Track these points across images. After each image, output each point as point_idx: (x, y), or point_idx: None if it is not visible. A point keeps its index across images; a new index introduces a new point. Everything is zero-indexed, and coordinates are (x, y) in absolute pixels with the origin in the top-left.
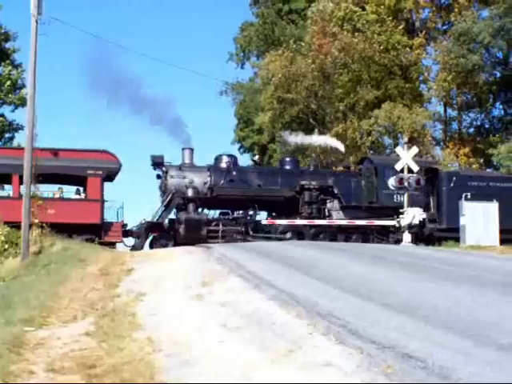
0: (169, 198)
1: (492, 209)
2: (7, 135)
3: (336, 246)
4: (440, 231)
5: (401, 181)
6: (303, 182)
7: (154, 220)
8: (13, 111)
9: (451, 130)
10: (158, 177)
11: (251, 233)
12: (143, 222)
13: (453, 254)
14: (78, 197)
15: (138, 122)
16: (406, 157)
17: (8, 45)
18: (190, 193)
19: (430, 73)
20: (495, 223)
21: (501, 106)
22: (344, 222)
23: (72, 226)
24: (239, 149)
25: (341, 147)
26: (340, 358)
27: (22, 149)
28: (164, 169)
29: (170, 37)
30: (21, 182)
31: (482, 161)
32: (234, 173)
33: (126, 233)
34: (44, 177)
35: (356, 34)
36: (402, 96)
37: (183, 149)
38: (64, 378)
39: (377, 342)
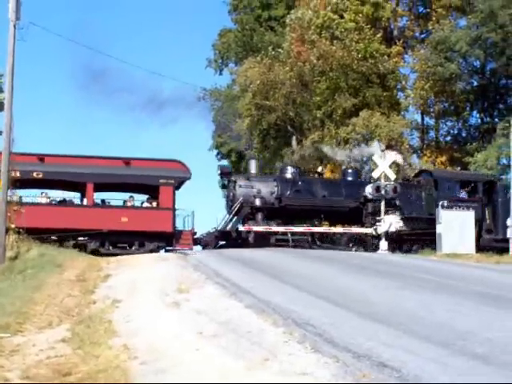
0: (237, 207)
1: (468, 217)
2: None
3: (313, 254)
4: (496, 241)
5: (378, 189)
6: (366, 194)
7: (221, 228)
8: None
9: (428, 138)
10: (223, 186)
11: (318, 242)
12: (212, 230)
13: (429, 262)
14: (148, 205)
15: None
16: (383, 165)
17: None
18: (257, 202)
19: (408, 81)
20: (471, 231)
21: (478, 115)
22: (321, 230)
23: (144, 234)
24: (217, 155)
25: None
26: (316, 367)
27: (95, 157)
28: (233, 178)
29: (148, 42)
30: (96, 190)
31: (458, 169)
32: (300, 183)
33: (195, 241)
34: (116, 185)
35: (334, 41)
36: (380, 104)
37: (249, 159)
38: None
39: (352, 351)
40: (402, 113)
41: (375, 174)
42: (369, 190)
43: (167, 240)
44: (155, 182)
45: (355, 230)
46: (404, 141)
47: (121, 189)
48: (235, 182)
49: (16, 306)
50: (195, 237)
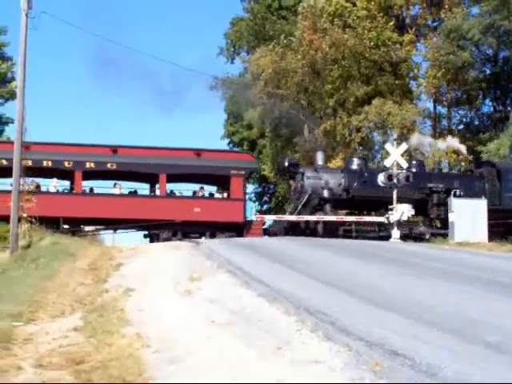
0: (306, 198)
1: (480, 205)
2: None
3: (325, 243)
4: None
5: (390, 177)
6: (431, 185)
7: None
8: (2, 105)
9: (441, 126)
10: (291, 177)
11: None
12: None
13: (441, 250)
14: (219, 196)
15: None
16: (395, 153)
17: None
18: (325, 194)
19: (420, 69)
20: (484, 220)
21: (490, 103)
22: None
23: (216, 225)
24: (228, 144)
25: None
26: (328, 355)
27: (167, 149)
28: (301, 170)
29: (159, 31)
30: (167, 181)
31: (471, 158)
32: (366, 174)
33: (264, 231)
34: (187, 176)
35: (346, 29)
36: (392, 92)
37: (317, 151)
38: (52, 374)
39: (365, 339)
40: (415, 101)
41: (387, 163)
42: (381, 178)
43: (238, 230)
44: (227, 172)
45: (367, 218)
46: (416, 129)
47: (192, 180)
48: (303, 173)
49: (29, 294)
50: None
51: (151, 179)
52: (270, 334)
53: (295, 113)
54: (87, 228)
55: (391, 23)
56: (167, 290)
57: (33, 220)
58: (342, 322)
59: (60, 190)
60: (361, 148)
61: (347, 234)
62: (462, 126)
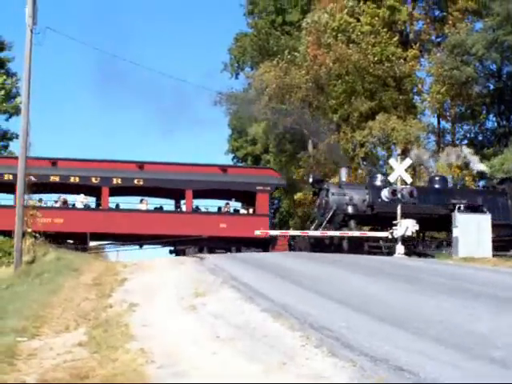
0: (330, 214)
1: (484, 220)
2: (1, 143)
3: (333, 258)
4: None
5: (394, 192)
6: (454, 201)
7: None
8: (7, 120)
9: (445, 142)
10: (314, 194)
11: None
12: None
13: (446, 266)
14: (245, 211)
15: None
16: (399, 169)
17: (3, 54)
18: (350, 210)
19: (424, 85)
20: (488, 235)
21: (494, 119)
22: (336, 234)
23: (241, 240)
24: (233, 159)
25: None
26: (333, 371)
27: (193, 165)
28: (325, 186)
29: (163, 46)
30: (194, 197)
31: (475, 173)
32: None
33: (289, 246)
34: (213, 192)
35: (350, 45)
36: (396, 107)
37: (341, 167)
38: None
39: (369, 355)
40: (418, 116)
41: (392, 178)
42: (385, 193)
43: (264, 245)
44: (252, 188)
45: (370, 234)
46: (420, 144)
47: (217, 195)
48: (328, 189)
49: (33, 309)
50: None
51: (177, 195)
52: (275, 349)
53: (299, 128)
54: (92, 243)
55: (395, 38)
56: (171, 305)
57: (36, 235)
58: (347, 338)
59: (87, 205)
60: (364, 163)
61: (372, 250)
62: (465, 141)
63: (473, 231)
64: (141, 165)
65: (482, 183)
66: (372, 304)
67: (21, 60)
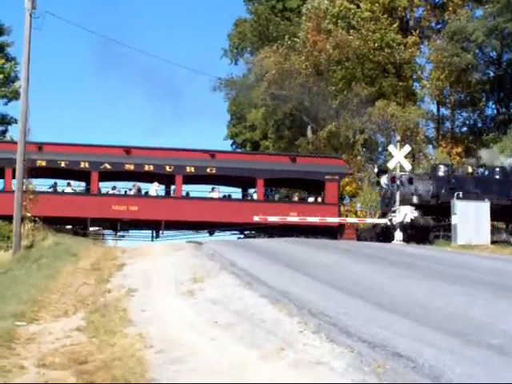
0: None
1: (484, 208)
2: (0, 128)
3: (329, 245)
4: None
5: (393, 179)
6: None
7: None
8: (6, 104)
9: (444, 128)
10: (378, 183)
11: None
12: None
13: (444, 253)
14: (312, 200)
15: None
16: (399, 155)
17: (2, 39)
18: (415, 200)
19: (424, 71)
20: (487, 222)
21: (493, 106)
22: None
23: (311, 228)
24: (232, 145)
25: None
26: (331, 357)
27: (264, 154)
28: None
29: (163, 32)
30: (264, 186)
31: (474, 160)
32: (453, 181)
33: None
34: (283, 181)
35: (351, 31)
36: (396, 94)
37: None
38: (55, 374)
39: (367, 341)
40: (418, 103)
41: (391, 165)
42: (384, 180)
43: (332, 234)
44: (321, 177)
45: (369, 220)
46: (419, 131)
47: (286, 184)
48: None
49: (31, 294)
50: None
51: (247, 184)
52: (273, 334)
53: (298, 114)
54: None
55: (395, 25)
56: (170, 291)
57: (36, 219)
58: (345, 324)
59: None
60: (364, 150)
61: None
62: (465, 128)
63: (471, 218)
64: (213, 153)
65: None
66: (370, 291)
67: (20, 44)
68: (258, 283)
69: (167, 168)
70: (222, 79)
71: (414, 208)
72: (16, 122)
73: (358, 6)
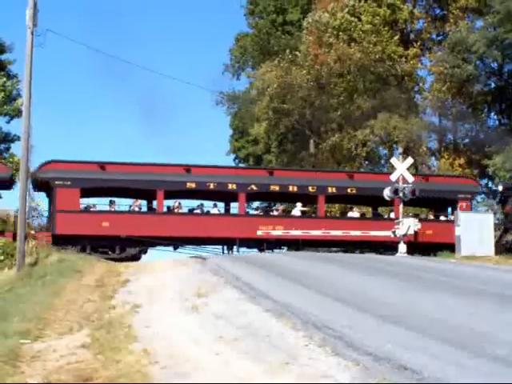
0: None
1: (487, 219)
2: (3, 146)
3: (333, 257)
4: None
5: (396, 191)
6: None
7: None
8: (8, 122)
9: (446, 140)
10: (501, 200)
11: None
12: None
13: (448, 264)
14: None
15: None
16: (401, 167)
17: (3, 57)
18: None
19: (425, 83)
20: (490, 233)
21: (495, 117)
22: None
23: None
24: (234, 159)
25: None
26: (336, 370)
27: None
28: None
29: (164, 47)
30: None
31: (477, 171)
32: None
33: None
34: (418, 200)
35: (352, 44)
36: (398, 106)
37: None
38: None
39: (372, 354)
40: (420, 115)
41: (393, 177)
42: (386, 192)
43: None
44: (454, 196)
45: (373, 233)
46: (422, 143)
47: (420, 203)
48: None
49: (36, 311)
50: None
51: (383, 203)
52: (278, 349)
53: (301, 128)
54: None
55: (396, 37)
56: (174, 306)
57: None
58: (350, 337)
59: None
60: (366, 162)
61: None
62: (467, 140)
63: (475, 230)
64: (271, 171)
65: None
66: (374, 303)
67: (22, 62)
68: (262, 297)
69: (310, 189)
70: (224, 93)
71: (417, 220)
72: (19, 140)
73: (359, 19)
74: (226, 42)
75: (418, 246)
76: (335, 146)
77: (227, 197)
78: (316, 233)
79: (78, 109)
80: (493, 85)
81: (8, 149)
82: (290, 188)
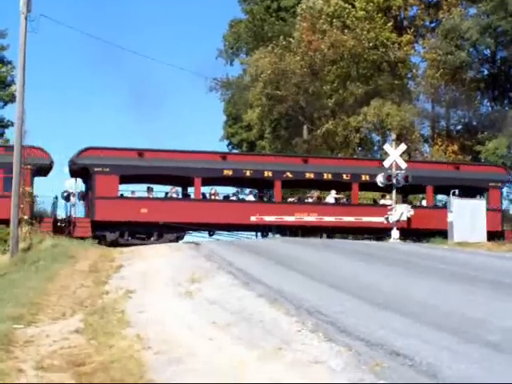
0: None
1: (480, 206)
2: None
3: (324, 243)
4: None
5: (389, 177)
6: None
7: None
8: (2, 107)
9: (439, 127)
10: None
11: None
12: None
13: (440, 251)
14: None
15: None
16: (394, 154)
17: None
18: None
19: (419, 70)
20: (483, 220)
21: (488, 104)
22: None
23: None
24: (228, 145)
25: None
26: (329, 356)
27: (429, 162)
28: None
29: (158, 32)
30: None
31: (469, 158)
32: None
33: None
34: (449, 188)
35: (345, 30)
36: (391, 93)
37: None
38: (53, 376)
39: (365, 340)
40: (413, 102)
41: (386, 163)
42: (380, 178)
43: (497, 239)
44: (485, 184)
45: (366, 219)
46: (415, 130)
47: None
48: None
49: (29, 296)
50: None
51: (420, 191)
52: (271, 334)
53: (294, 114)
54: None
55: (389, 24)
56: (168, 292)
57: (33, 222)
58: (343, 323)
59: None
60: (360, 149)
61: None
62: (460, 127)
63: (467, 216)
64: (305, 159)
65: None
66: (368, 289)
67: (16, 47)
68: (255, 282)
69: (344, 176)
70: (218, 80)
71: (410, 207)
72: (13, 125)
73: (353, 6)
74: (220, 28)
75: (410, 232)
76: (328, 133)
77: (263, 184)
78: (349, 219)
79: (73, 94)
80: (486, 72)
81: (2, 134)
82: (325, 176)
